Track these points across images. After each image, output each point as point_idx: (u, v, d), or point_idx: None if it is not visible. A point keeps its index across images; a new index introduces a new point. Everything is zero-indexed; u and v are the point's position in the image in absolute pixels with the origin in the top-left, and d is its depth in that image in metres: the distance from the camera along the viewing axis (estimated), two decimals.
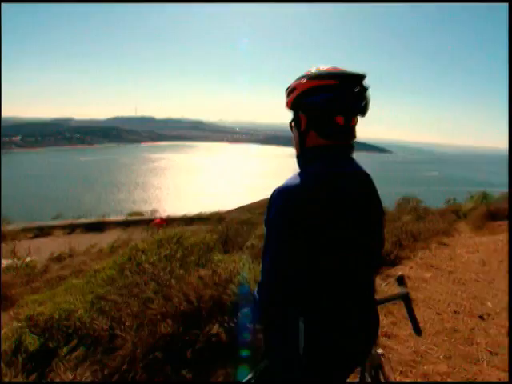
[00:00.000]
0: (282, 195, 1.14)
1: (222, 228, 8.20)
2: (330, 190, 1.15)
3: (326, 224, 1.13)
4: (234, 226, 8.41)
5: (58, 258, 9.54)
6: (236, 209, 26.77)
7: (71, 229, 19.51)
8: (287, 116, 1.31)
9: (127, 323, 2.85)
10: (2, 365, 2.68)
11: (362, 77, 1.19)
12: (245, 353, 2.30)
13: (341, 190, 1.17)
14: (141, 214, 26.69)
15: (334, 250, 1.15)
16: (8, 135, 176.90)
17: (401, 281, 1.58)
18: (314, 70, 1.24)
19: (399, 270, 4.85)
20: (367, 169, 1.33)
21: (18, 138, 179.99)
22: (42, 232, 18.27)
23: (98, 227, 19.48)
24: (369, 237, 1.26)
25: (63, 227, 19.62)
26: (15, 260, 7.45)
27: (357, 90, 1.17)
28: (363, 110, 1.21)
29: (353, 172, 1.25)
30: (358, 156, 1.30)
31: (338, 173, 1.19)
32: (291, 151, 1.31)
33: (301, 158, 1.28)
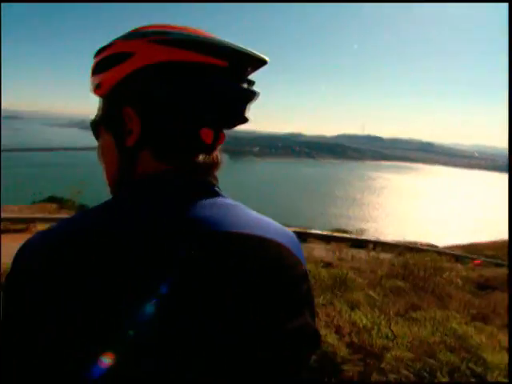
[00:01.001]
0: (18, 256, 0.57)
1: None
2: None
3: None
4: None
5: None
6: (454, 247, 22.86)
7: None
8: None
9: None
10: None
11: (262, 63, 0.63)
12: None
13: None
14: (346, 231, 26.15)
15: None
16: (249, 145, 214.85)
17: None
18: (172, 32, 0.60)
19: None
20: None
21: (256, 149, 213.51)
22: None
23: (300, 237, 20.08)
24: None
25: None
26: None
27: (248, 85, 0.63)
28: (244, 119, 0.64)
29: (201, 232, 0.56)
30: None
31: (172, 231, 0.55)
32: None
33: (120, 198, 0.61)
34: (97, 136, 0.67)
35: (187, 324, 0.52)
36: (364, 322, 3.02)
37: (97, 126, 0.66)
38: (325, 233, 22.66)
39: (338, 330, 2.58)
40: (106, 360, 0.49)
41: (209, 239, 0.55)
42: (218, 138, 0.63)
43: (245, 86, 0.61)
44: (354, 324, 2.77)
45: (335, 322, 2.64)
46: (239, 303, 0.54)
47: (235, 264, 0.55)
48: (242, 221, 0.59)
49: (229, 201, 0.62)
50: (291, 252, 0.61)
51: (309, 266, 4.27)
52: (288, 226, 21.77)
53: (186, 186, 0.59)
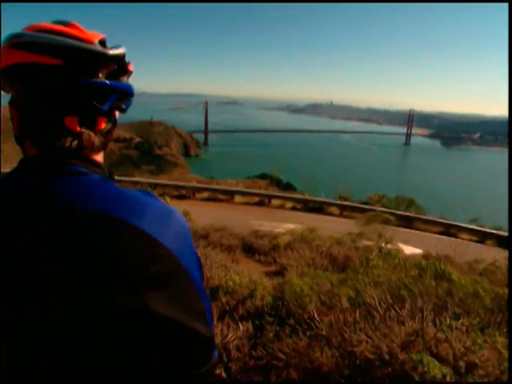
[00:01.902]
0: None
1: None
2: None
3: None
4: None
5: (424, 256, 8.98)
6: None
7: (482, 237, 17.72)
8: None
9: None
10: None
11: (110, 58, 0.69)
12: None
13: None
14: None
15: None
16: (468, 132, 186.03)
17: None
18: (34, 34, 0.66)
19: None
20: None
21: (477, 136, 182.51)
22: (448, 230, 17.69)
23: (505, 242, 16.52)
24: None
25: (473, 232, 18.12)
26: (378, 243, 7.86)
27: (102, 81, 0.68)
28: (97, 111, 0.70)
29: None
30: None
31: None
32: None
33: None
34: None
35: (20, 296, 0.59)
36: None
37: None
38: None
39: (470, 367, 1.99)
40: None
41: (48, 215, 0.61)
42: (93, 123, 0.69)
43: (99, 79, 0.67)
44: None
45: (469, 356, 2.04)
46: (65, 276, 0.59)
47: (64, 239, 0.59)
48: (93, 198, 0.62)
49: (91, 179, 0.66)
50: (144, 233, 0.61)
51: (464, 279, 3.33)
52: (500, 229, 18.06)
53: (42, 168, 0.66)
